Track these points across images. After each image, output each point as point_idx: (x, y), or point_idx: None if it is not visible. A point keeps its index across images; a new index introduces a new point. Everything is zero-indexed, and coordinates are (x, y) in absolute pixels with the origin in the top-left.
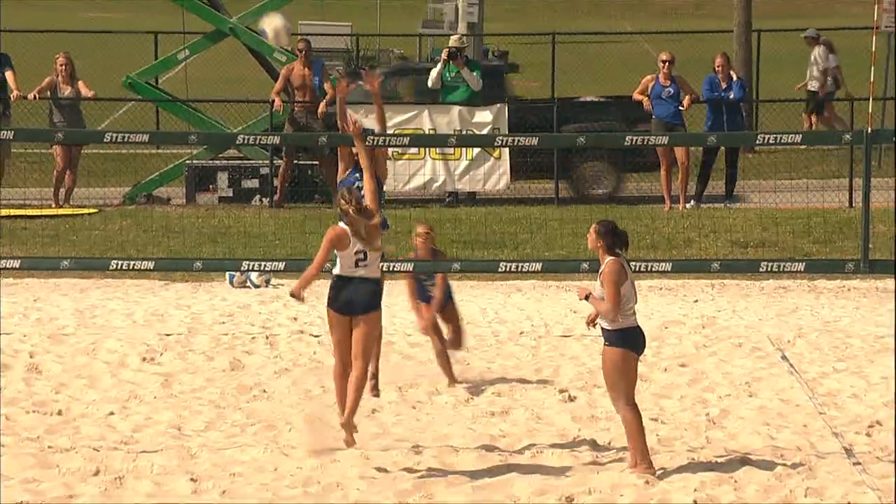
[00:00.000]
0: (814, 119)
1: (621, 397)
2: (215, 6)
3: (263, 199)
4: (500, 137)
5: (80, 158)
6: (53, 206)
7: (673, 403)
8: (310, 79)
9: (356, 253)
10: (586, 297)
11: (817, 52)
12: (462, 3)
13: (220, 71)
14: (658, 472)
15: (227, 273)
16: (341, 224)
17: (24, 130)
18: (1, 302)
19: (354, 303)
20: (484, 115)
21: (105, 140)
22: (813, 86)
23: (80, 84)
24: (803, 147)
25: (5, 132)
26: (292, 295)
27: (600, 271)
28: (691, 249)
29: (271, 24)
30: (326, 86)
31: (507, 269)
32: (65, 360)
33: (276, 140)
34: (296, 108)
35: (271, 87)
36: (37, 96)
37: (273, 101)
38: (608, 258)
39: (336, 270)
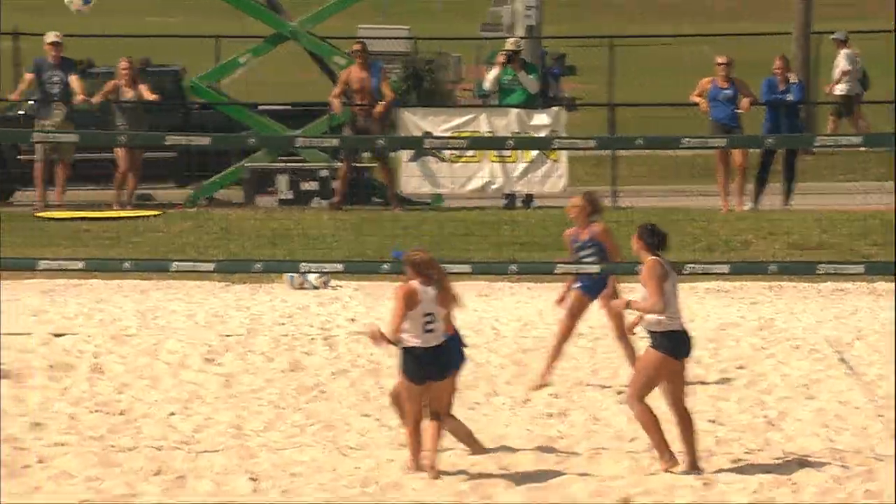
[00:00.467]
0: (839, 121)
1: (634, 394)
2: (276, 10)
3: (322, 202)
4: (558, 139)
5: (141, 161)
6: (116, 208)
7: (731, 405)
8: (368, 82)
9: (425, 315)
10: (628, 306)
11: (844, 54)
12: (520, 6)
13: (281, 74)
14: (716, 474)
15: (287, 275)
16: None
17: (88, 133)
18: (66, 303)
19: (433, 373)
20: (541, 118)
21: (167, 143)
22: (842, 89)
23: (143, 87)
24: (862, 149)
25: (70, 135)
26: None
27: (641, 273)
28: (749, 251)
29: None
30: (384, 88)
31: (565, 272)
32: (127, 360)
33: (335, 142)
34: (352, 111)
35: (331, 90)
36: (102, 100)
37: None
38: (648, 258)
39: (406, 338)
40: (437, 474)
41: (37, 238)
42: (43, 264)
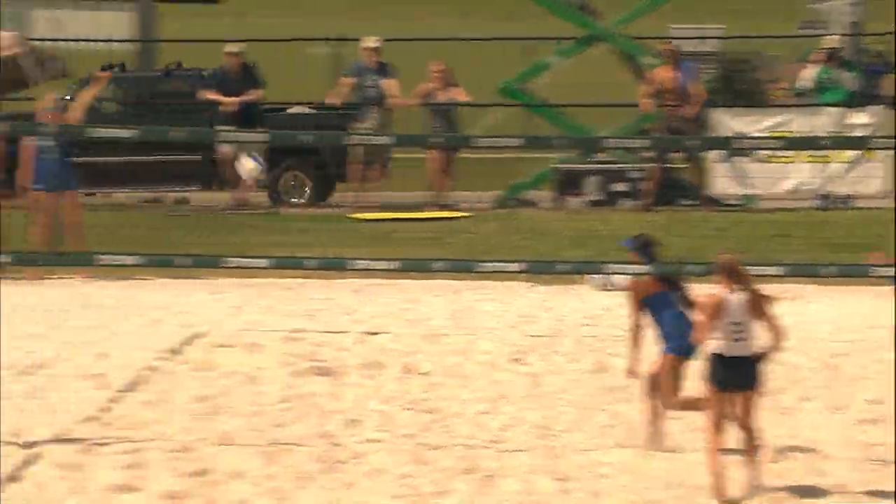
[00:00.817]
0: None
1: None
2: (587, 12)
3: (632, 203)
4: (877, 139)
5: (454, 163)
6: (428, 209)
7: None
8: (678, 82)
9: (733, 324)
10: None
11: None
12: (842, 1)
13: (591, 75)
14: None
15: (592, 276)
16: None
17: (402, 136)
18: (378, 302)
19: (742, 384)
20: (861, 117)
21: (477, 144)
22: None
23: (456, 90)
24: None
25: (385, 138)
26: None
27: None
28: None
29: (244, 164)
30: (696, 88)
31: (879, 275)
32: (438, 359)
33: (645, 143)
34: (663, 112)
35: (640, 90)
36: (415, 103)
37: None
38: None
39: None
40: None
41: (349, 238)
42: (357, 265)
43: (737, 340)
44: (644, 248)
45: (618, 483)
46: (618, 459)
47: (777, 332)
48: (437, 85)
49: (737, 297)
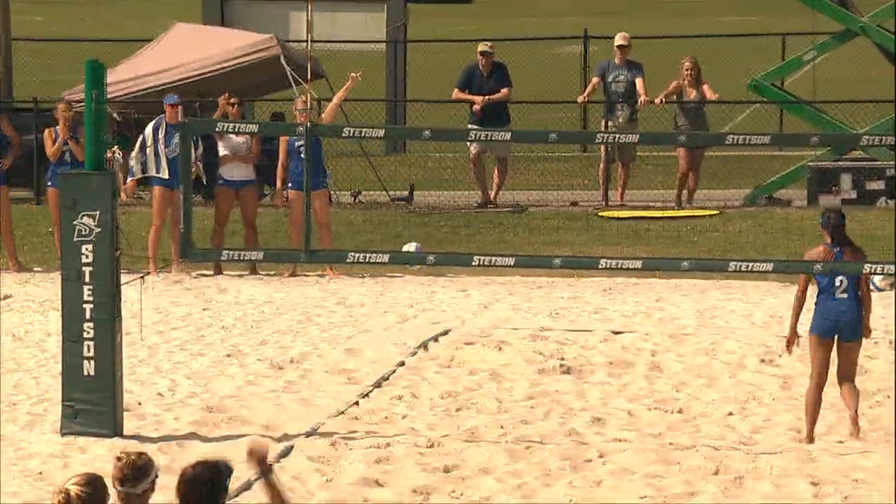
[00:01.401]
0: None
1: None
2: (846, 5)
3: (889, 202)
4: None
5: (702, 161)
6: (675, 207)
7: None
8: None
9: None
10: None
11: None
12: None
13: (850, 71)
14: None
15: None
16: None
17: (648, 134)
18: (626, 301)
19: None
20: None
21: (727, 142)
22: None
23: (705, 87)
24: None
25: (631, 136)
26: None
27: None
28: None
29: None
30: None
31: None
32: (685, 359)
33: None
34: None
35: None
36: (663, 100)
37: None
38: None
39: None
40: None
41: (598, 237)
42: (603, 263)
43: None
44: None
45: (876, 488)
46: (875, 464)
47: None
48: (687, 82)
49: None
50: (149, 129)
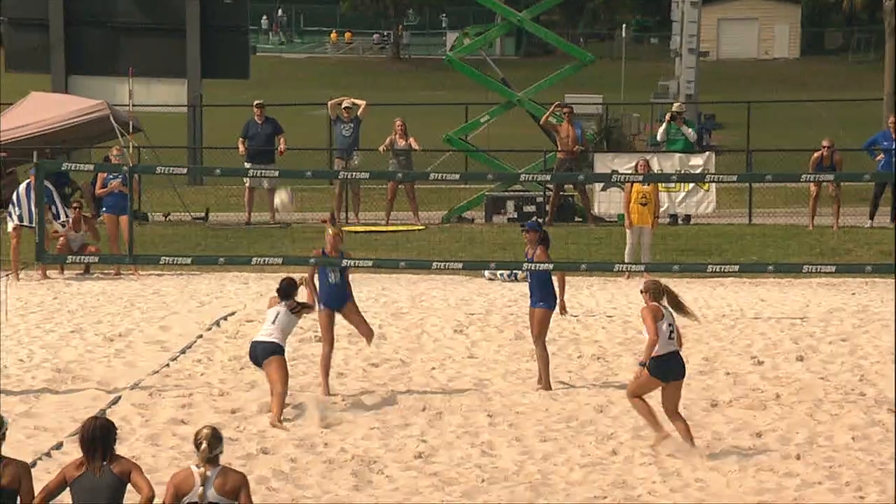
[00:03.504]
0: None
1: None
2: (507, 84)
3: (539, 220)
4: (709, 175)
5: (414, 191)
6: (386, 223)
7: (836, 367)
8: (573, 133)
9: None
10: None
11: None
12: (682, 80)
13: (511, 129)
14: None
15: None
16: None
17: (375, 172)
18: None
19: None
20: (697, 160)
21: (430, 178)
22: None
23: (412, 140)
24: None
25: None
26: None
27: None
28: (850, 256)
29: (279, 196)
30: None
31: (713, 271)
32: (403, 331)
33: (548, 177)
34: (560, 155)
35: (544, 140)
36: (384, 149)
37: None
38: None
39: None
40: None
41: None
42: (344, 262)
43: (670, 338)
44: (539, 228)
45: (531, 419)
46: (531, 401)
47: (692, 316)
48: (399, 136)
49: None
50: (21, 189)
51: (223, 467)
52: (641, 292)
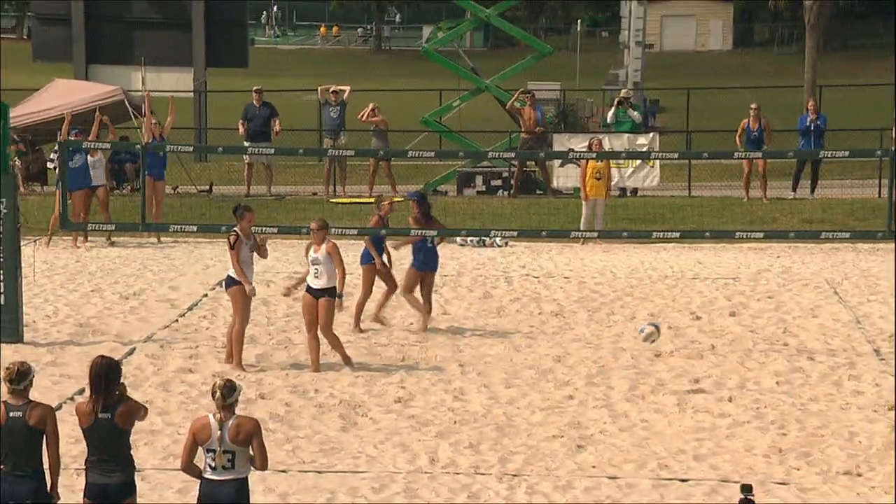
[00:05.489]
0: None
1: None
2: (476, 72)
3: (504, 192)
4: (654, 153)
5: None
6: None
7: (762, 321)
8: (535, 116)
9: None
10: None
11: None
12: (630, 69)
13: (480, 113)
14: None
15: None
16: None
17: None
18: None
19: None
20: (643, 139)
21: (409, 155)
22: None
23: (381, 118)
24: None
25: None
26: None
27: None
28: (777, 224)
29: (650, 334)
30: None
31: (657, 237)
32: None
33: (512, 155)
34: (523, 135)
35: (509, 122)
36: (364, 117)
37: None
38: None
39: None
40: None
41: (330, 215)
42: (334, 230)
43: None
44: (422, 199)
45: (498, 368)
46: (496, 353)
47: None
48: (371, 116)
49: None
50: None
51: (237, 416)
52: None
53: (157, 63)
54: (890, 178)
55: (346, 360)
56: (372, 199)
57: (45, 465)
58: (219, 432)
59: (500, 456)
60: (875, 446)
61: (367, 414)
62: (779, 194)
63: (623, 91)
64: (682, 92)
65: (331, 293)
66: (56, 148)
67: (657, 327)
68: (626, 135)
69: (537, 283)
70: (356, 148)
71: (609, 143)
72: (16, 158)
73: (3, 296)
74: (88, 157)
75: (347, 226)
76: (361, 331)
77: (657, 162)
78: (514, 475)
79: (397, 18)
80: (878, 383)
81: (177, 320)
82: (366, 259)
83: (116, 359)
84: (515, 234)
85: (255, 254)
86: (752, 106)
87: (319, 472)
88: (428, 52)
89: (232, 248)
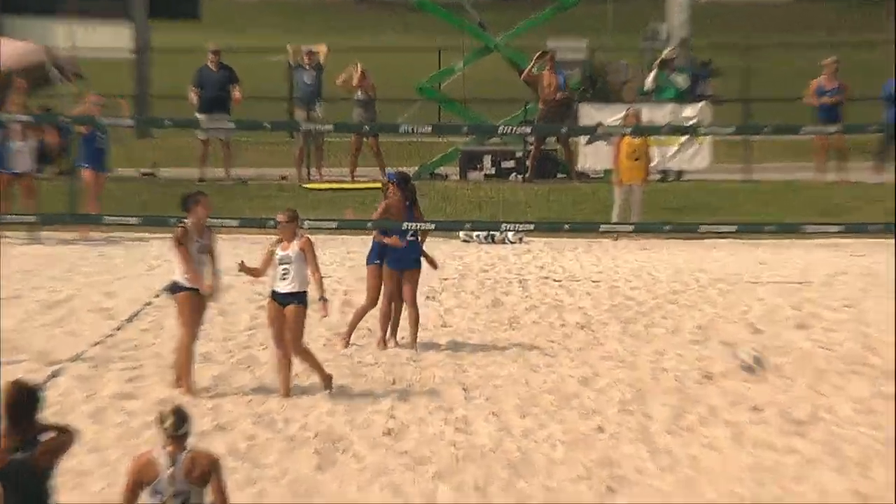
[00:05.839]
0: None
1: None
2: (483, 27)
3: (518, 176)
4: (703, 127)
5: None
6: (351, 180)
7: (838, 335)
8: (555, 82)
9: None
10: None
11: None
12: (676, 21)
13: (488, 77)
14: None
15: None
16: None
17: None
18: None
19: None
20: (690, 110)
21: (400, 130)
22: None
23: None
24: None
25: (327, 126)
26: None
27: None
28: (855, 215)
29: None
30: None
31: (707, 231)
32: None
33: (528, 130)
34: (541, 106)
35: (524, 89)
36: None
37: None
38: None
39: None
40: None
41: (303, 203)
42: (307, 224)
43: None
44: (404, 181)
45: (510, 392)
46: (509, 373)
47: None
48: (357, 82)
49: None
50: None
51: (192, 450)
52: None
53: (88, 15)
54: None
55: (326, 382)
56: (355, 186)
57: None
58: (169, 469)
59: (514, 501)
60: None
61: (350, 449)
62: (858, 177)
63: (666, 51)
64: (739, 51)
65: (300, 299)
66: None
67: (760, 361)
68: (670, 104)
69: (559, 287)
70: (335, 122)
71: (648, 114)
72: None
73: None
74: (14, 142)
75: (324, 217)
76: (347, 345)
77: (707, 138)
78: None
79: None
80: None
81: (113, 334)
82: (373, 258)
83: (36, 383)
84: (532, 227)
85: (208, 255)
86: (827, 60)
87: None
88: (423, 3)
89: (179, 244)
